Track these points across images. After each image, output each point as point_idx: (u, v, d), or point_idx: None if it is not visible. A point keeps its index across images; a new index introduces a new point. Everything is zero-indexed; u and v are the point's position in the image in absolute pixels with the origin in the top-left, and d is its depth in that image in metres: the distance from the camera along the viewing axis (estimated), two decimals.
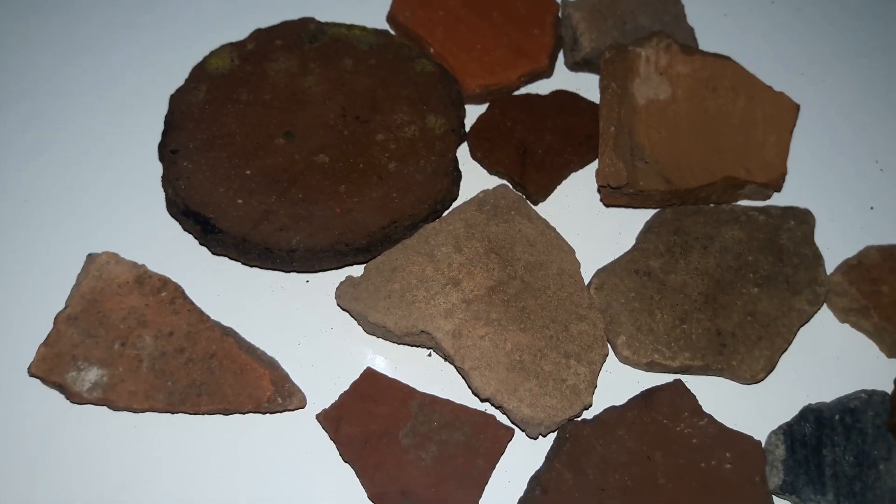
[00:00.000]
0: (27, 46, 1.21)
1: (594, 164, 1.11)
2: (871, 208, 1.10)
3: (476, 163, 1.11)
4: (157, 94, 1.10)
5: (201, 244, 1.01)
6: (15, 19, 1.24)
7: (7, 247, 1.04)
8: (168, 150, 1.02)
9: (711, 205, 1.06)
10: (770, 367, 0.95)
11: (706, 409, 0.92)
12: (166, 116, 1.05)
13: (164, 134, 1.04)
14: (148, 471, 0.90)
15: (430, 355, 0.98)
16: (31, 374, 0.89)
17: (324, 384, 0.95)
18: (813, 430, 0.90)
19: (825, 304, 1.02)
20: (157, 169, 1.04)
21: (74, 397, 0.89)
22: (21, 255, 1.03)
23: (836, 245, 1.05)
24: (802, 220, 1.03)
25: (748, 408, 0.95)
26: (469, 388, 0.93)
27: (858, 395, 0.93)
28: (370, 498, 0.87)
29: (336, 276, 1.01)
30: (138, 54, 1.20)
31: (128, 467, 0.91)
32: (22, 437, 0.92)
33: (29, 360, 0.90)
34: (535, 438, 0.93)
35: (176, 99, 1.06)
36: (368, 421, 0.90)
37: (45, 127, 1.13)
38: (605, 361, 0.94)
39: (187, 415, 0.92)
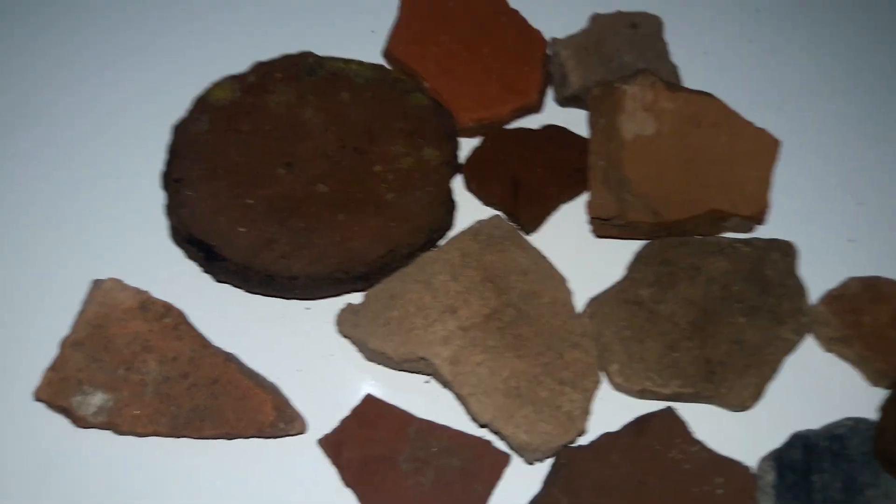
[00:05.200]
0: (31, 75, 1.22)
1: (584, 196, 1.13)
2: (851, 241, 1.14)
3: (470, 194, 1.13)
4: (161, 124, 1.11)
5: (204, 271, 1.02)
6: (18, 48, 1.25)
7: (13, 273, 1.04)
8: (171, 179, 1.03)
9: (697, 236, 1.09)
10: (758, 395, 0.97)
11: (697, 435, 0.94)
12: (169, 146, 1.07)
13: (168, 163, 1.05)
14: (152, 495, 0.91)
15: (428, 382, 1.00)
16: (37, 399, 0.89)
17: (324, 410, 0.96)
18: (801, 456, 0.92)
19: (810, 334, 1.04)
20: (161, 197, 1.05)
21: (79, 421, 0.89)
22: (26, 281, 1.03)
23: (818, 276, 1.07)
24: (786, 251, 1.06)
25: (738, 434, 0.97)
26: (467, 413, 0.95)
27: (844, 422, 0.95)
28: None
29: (336, 304, 1.02)
30: (142, 85, 1.22)
31: (132, 491, 0.91)
32: (27, 461, 0.92)
33: (34, 384, 0.91)
34: (532, 464, 0.94)
35: (179, 129, 1.08)
36: (368, 446, 0.91)
37: (50, 155, 1.14)
38: (598, 388, 0.96)
39: (190, 439, 0.92)
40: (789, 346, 1.00)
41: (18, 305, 1.02)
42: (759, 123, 1.14)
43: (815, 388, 1.01)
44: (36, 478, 0.91)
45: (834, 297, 1.03)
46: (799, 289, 1.03)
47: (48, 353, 0.92)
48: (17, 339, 0.99)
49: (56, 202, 1.10)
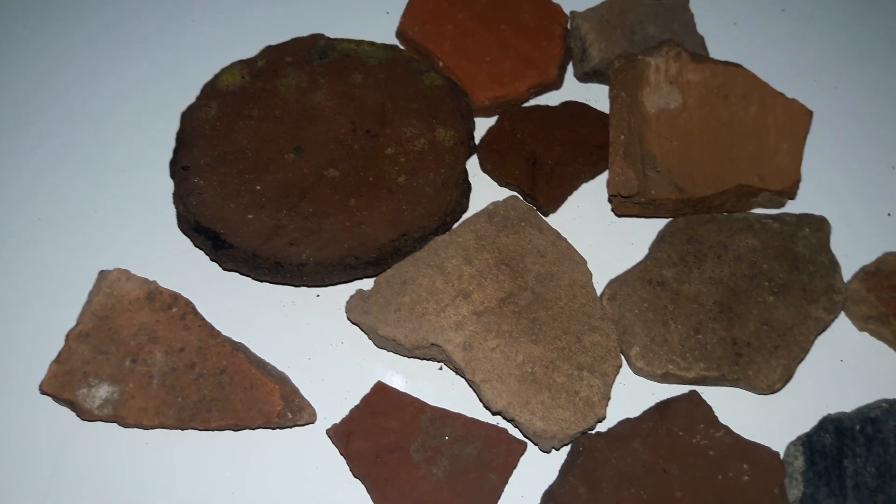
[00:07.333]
0: (38, 65, 1.22)
1: (605, 175, 1.10)
2: (888, 214, 1.09)
3: (486, 175, 1.11)
4: (169, 112, 1.10)
5: (212, 260, 1.01)
6: (26, 38, 1.25)
7: (19, 264, 1.04)
8: (179, 167, 1.02)
9: (724, 213, 1.05)
10: (787, 377, 0.94)
11: (722, 420, 0.91)
12: (177, 133, 1.06)
13: (176, 151, 1.05)
14: (159, 488, 0.90)
15: (440, 369, 0.98)
16: (43, 392, 0.89)
17: (334, 399, 0.95)
18: (833, 440, 0.89)
19: (843, 312, 1.00)
20: (169, 185, 1.04)
21: (85, 414, 0.89)
22: (33, 273, 1.03)
23: (852, 252, 1.03)
24: (818, 227, 1.02)
25: (765, 418, 0.94)
26: (480, 401, 0.93)
27: (879, 404, 0.91)
28: None
29: (346, 291, 1.01)
30: (150, 72, 1.21)
31: (138, 484, 0.90)
32: (33, 455, 0.92)
33: (40, 377, 0.90)
34: (549, 452, 0.92)
35: (187, 116, 1.07)
36: (379, 435, 0.90)
37: (57, 145, 1.14)
38: (618, 373, 0.93)
39: (197, 431, 0.92)
40: (821, 326, 0.96)
41: (24, 297, 1.02)
42: (790, 94, 1.10)
43: (847, 369, 0.98)
44: (42, 472, 0.91)
45: (869, 274, 0.99)
46: (832, 265, 1.00)
47: (54, 345, 0.92)
48: (23, 331, 0.99)
49: (62, 192, 1.10)
